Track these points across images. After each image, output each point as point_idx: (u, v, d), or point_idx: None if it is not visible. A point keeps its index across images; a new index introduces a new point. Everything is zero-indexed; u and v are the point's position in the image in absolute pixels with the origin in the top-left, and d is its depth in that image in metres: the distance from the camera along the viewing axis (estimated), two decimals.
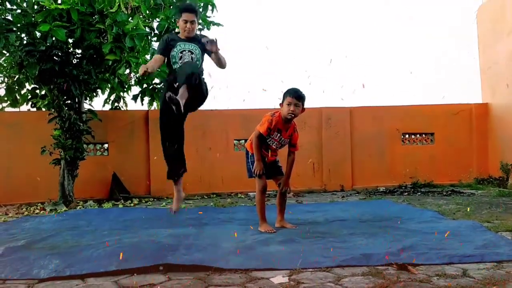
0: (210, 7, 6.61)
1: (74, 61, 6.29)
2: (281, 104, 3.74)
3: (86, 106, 6.94)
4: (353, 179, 7.85)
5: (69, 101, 6.48)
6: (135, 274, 2.52)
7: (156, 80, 7.26)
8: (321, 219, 4.36)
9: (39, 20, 5.43)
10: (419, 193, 6.69)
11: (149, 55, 6.98)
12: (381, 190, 7.39)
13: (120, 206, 6.26)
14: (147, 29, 6.24)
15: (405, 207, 5.15)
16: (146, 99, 7.55)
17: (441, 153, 7.98)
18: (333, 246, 3.04)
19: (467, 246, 2.93)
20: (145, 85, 7.38)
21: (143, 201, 6.79)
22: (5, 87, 7.02)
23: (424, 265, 2.56)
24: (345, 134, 7.86)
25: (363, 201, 6.07)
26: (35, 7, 5.84)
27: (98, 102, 23.01)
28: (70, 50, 6.26)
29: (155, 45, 6.95)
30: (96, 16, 5.57)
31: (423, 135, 8.15)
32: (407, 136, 8.13)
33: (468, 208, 4.76)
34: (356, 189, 7.65)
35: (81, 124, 6.47)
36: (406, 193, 6.78)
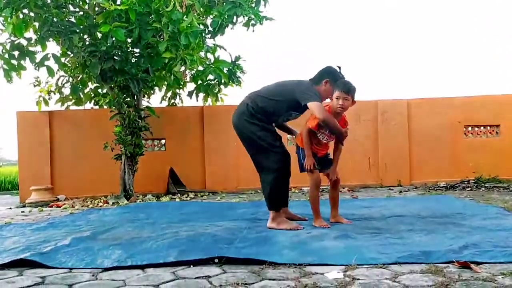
0: (262, 2, 6.62)
1: (133, 60, 6.54)
2: (331, 98, 3.68)
3: (144, 103, 7.22)
4: (411, 174, 7.60)
5: (128, 99, 6.75)
6: (191, 266, 2.58)
7: (210, 77, 7.39)
8: (377, 214, 4.24)
9: (100, 22, 5.69)
10: (483, 189, 6.35)
11: (203, 52, 7.11)
12: (442, 185, 7.08)
13: (177, 200, 6.45)
14: (201, 26, 6.36)
15: (468, 203, 4.90)
16: (201, 95, 7.71)
17: (507, 146, 7.53)
18: (390, 242, 2.95)
19: None
20: (199, 82, 7.53)
21: (199, 195, 6.95)
22: (70, 87, 7.43)
23: (488, 263, 2.43)
24: (402, 127, 7.61)
25: (422, 197, 5.85)
26: (96, 8, 6.13)
27: (156, 99, 23.77)
28: (129, 50, 6.51)
29: (209, 42, 7.08)
30: (152, 16, 5.75)
31: (488, 128, 7.72)
32: (469, 128, 7.74)
33: None
34: (415, 184, 7.40)
35: (140, 121, 6.73)
36: (468, 189, 6.46)
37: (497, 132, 7.70)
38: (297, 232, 3.39)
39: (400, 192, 6.57)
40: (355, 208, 4.74)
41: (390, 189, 7.08)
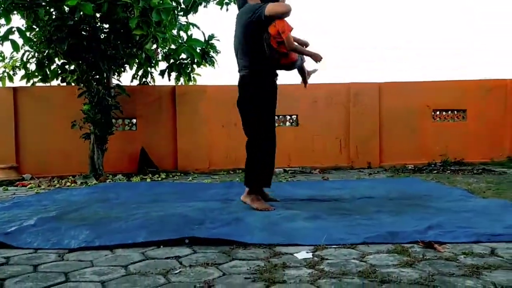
0: None
1: (102, 36, 6.34)
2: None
3: (114, 81, 7.04)
4: (380, 156, 7.74)
5: (97, 76, 6.57)
6: (161, 246, 2.56)
7: (183, 56, 7.26)
8: (347, 196, 4.32)
9: None
10: (449, 171, 6.54)
11: (176, 30, 6.96)
12: (410, 168, 7.26)
13: (148, 180, 6.38)
14: (174, 4, 6.20)
15: (434, 185, 5.05)
16: (173, 74, 7.59)
17: (473, 131, 7.75)
18: (358, 223, 3.01)
19: (496, 225, 2.85)
20: (172, 61, 7.40)
21: (170, 176, 6.90)
22: (35, 62, 7.16)
23: (451, 243, 2.51)
24: (374, 111, 7.71)
25: (390, 179, 5.99)
26: None
27: (126, 78, 23.29)
28: (97, 25, 6.30)
29: (182, 19, 6.93)
30: None
31: (455, 112, 7.92)
32: (438, 112, 7.91)
33: (498, 187, 4.63)
34: (384, 167, 7.55)
35: (110, 99, 6.57)
36: (435, 171, 6.64)
37: (463, 117, 7.90)
38: (268, 213, 3.41)
39: (370, 174, 6.69)
40: (326, 190, 4.81)
41: (360, 171, 7.21)
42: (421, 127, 7.77)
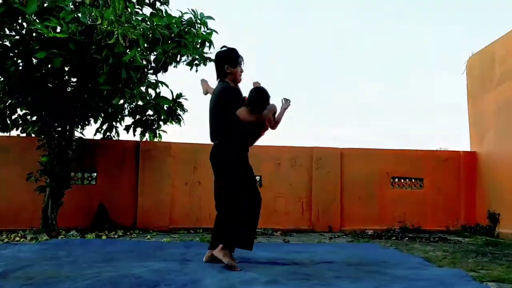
0: (207, 44, 6.73)
1: (69, 89, 6.32)
2: None
3: (77, 134, 6.93)
4: (341, 220, 7.80)
5: (59, 128, 6.46)
6: None
7: (150, 112, 7.29)
8: (307, 260, 4.29)
9: (36, 48, 5.48)
10: (407, 238, 6.65)
11: (144, 87, 7.03)
12: (369, 233, 7.33)
13: (104, 237, 6.13)
14: (144, 62, 6.31)
15: (392, 252, 5.10)
16: (139, 130, 7.55)
17: (429, 199, 8.00)
18: None
19: None
20: (138, 116, 7.39)
21: (128, 233, 6.66)
22: None
23: None
24: (336, 175, 7.87)
25: (350, 244, 6.01)
26: (34, 34, 5.91)
27: (90, 131, 23.00)
28: (65, 78, 6.29)
29: (151, 77, 7.02)
30: (93, 47, 5.64)
31: (413, 180, 8.18)
32: (396, 180, 8.15)
33: (454, 256, 4.73)
34: (344, 231, 7.59)
35: (70, 152, 6.43)
36: (394, 238, 6.73)
37: (421, 185, 8.16)
38: (227, 275, 3.33)
39: (331, 238, 6.70)
40: (286, 253, 4.77)
41: (321, 234, 7.21)
42: (380, 193, 7.96)
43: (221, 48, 4.08)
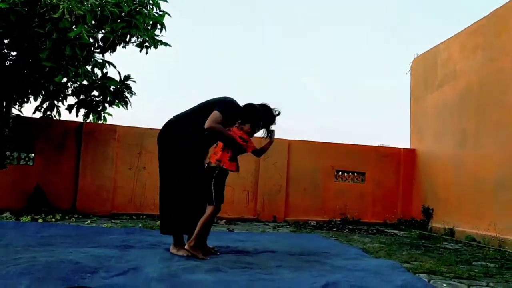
0: (159, 26, 6.55)
1: (7, 63, 5.94)
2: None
3: (14, 111, 6.55)
4: (286, 210, 7.94)
5: None
6: None
7: (95, 93, 7.01)
8: (251, 249, 4.32)
9: None
10: (347, 230, 6.88)
11: (90, 67, 6.75)
12: (312, 224, 7.52)
13: (40, 220, 5.85)
14: (91, 40, 6.05)
15: (333, 243, 5.25)
16: (82, 110, 7.25)
17: (370, 193, 8.32)
18: (259, 278, 3.01)
19: (386, 285, 3.02)
20: (82, 96, 7.09)
21: (67, 217, 6.41)
22: None
23: None
24: (282, 166, 7.98)
25: (293, 234, 6.13)
26: None
27: (29, 109, 21.81)
28: (4, 51, 5.91)
29: (98, 57, 6.74)
30: (36, 20, 5.33)
31: (355, 174, 8.46)
32: (340, 173, 8.39)
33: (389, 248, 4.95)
34: (288, 221, 7.73)
35: (6, 130, 6.07)
36: (335, 229, 6.94)
37: (362, 179, 8.46)
38: (168, 263, 3.28)
39: (275, 228, 6.80)
40: (230, 241, 4.78)
41: (265, 224, 7.30)
42: (324, 185, 8.16)
43: (276, 111, 4.18)
